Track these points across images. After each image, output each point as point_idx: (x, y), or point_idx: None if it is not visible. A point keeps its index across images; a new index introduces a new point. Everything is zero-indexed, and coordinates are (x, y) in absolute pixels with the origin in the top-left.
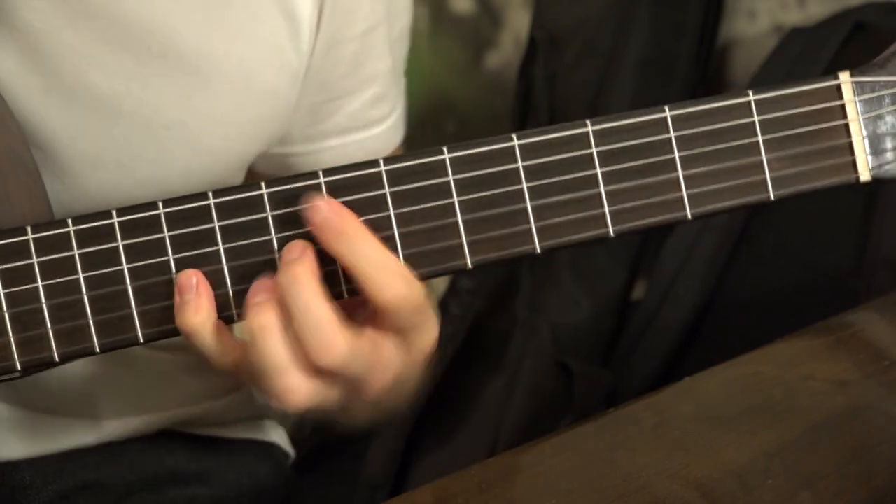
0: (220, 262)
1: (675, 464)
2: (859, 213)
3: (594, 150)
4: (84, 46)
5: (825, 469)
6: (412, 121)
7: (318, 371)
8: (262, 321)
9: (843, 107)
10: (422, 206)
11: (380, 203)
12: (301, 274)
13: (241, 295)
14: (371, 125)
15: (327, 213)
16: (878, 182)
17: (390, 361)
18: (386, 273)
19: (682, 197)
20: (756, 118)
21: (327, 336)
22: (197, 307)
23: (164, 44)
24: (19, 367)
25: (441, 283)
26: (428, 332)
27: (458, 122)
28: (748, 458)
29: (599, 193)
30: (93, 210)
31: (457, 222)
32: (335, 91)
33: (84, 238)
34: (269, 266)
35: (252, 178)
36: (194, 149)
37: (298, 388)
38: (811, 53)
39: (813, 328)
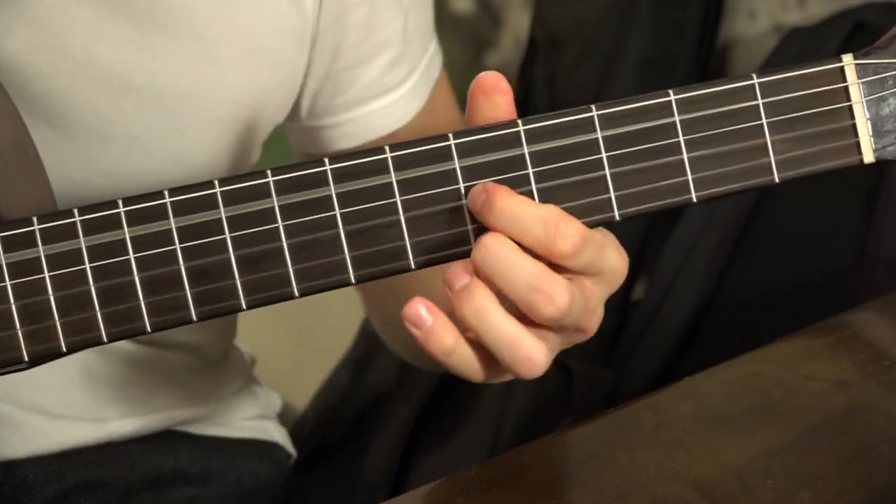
0: (227, 250)
1: (675, 464)
2: (859, 213)
3: (599, 134)
4: (91, 19)
5: (825, 469)
6: None
7: (545, 328)
8: (476, 304)
9: (846, 89)
10: (428, 192)
11: (386, 190)
12: (492, 241)
13: (248, 285)
14: (390, 90)
15: (485, 195)
16: (874, 174)
17: (596, 298)
18: (549, 225)
19: (687, 180)
20: (760, 101)
21: (545, 288)
22: (442, 327)
23: (169, 12)
24: (27, 359)
25: None
26: (615, 257)
27: None
28: (748, 458)
29: (605, 177)
30: (106, 185)
31: (463, 208)
32: (352, 59)
33: (90, 228)
34: (277, 254)
35: (296, 154)
36: (205, 118)
37: (535, 353)
38: (811, 53)
39: (813, 328)
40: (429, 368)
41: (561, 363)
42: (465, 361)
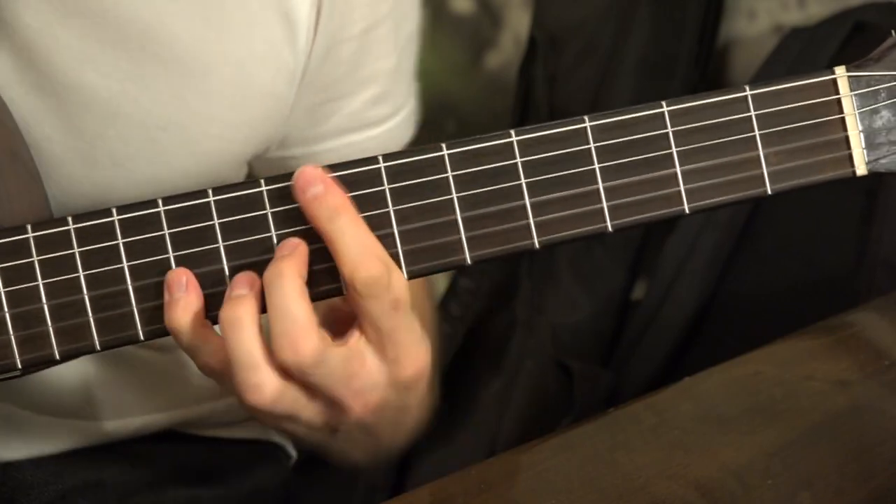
0: (220, 259)
1: (674, 464)
2: (859, 214)
3: (592, 145)
4: (78, 46)
5: (825, 469)
6: None
7: (286, 371)
8: (238, 314)
9: (839, 101)
10: (420, 202)
11: (378, 199)
12: (286, 269)
13: None
14: (370, 126)
15: (320, 186)
16: (873, 176)
17: (372, 378)
18: (363, 252)
19: (679, 192)
20: (753, 113)
21: (296, 332)
22: (186, 304)
23: (159, 43)
24: (20, 366)
25: (441, 284)
26: (414, 348)
27: (458, 122)
28: (748, 458)
29: (598, 188)
30: (88, 208)
31: (455, 218)
32: (334, 92)
33: (84, 236)
34: (269, 263)
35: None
36: (191, 149)
37: (264, 385)
38: (811, 53)
39: (813, 328)
40: None
41: (561, 363)
42: (190, 345)
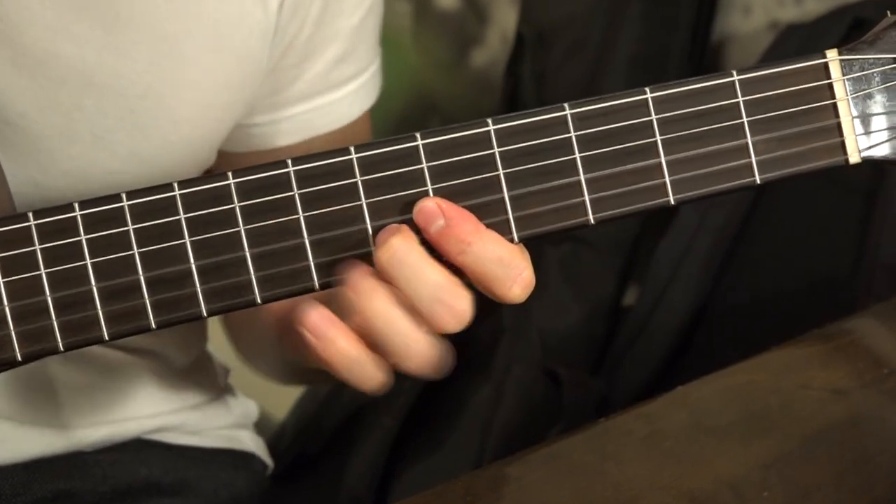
0: (186, 256)
1: (667, 475)
2: (856, 219)
3: (573, 134)
4: (51, 16)
5: (823, 480)
6: (396, 119)
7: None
8: (377, 308)
9: (830, 86)
10: (394, 194)
11: (351, 192)
12: (400, 244)
13: (209, 293)
14: (333, 88)
15: (441, 220)
16: (871, 176)
17: None
18: (511, 269)
19: (664, 182)
20: (741, 99)
21: (449, 301)
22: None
23: (132, 9)
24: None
25: None
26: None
27: (443, 120)
28: (743, 469)
29: (579, 180)
30: (67, 186)
31: None
32: (298, 55)
33: (45, 233)
34: (239, 260)
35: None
36: (171, 118)
37: (441, 356)
38: (808, 51)
39: (810, 335)
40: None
41: (550, 371)
42: (366, 371)
